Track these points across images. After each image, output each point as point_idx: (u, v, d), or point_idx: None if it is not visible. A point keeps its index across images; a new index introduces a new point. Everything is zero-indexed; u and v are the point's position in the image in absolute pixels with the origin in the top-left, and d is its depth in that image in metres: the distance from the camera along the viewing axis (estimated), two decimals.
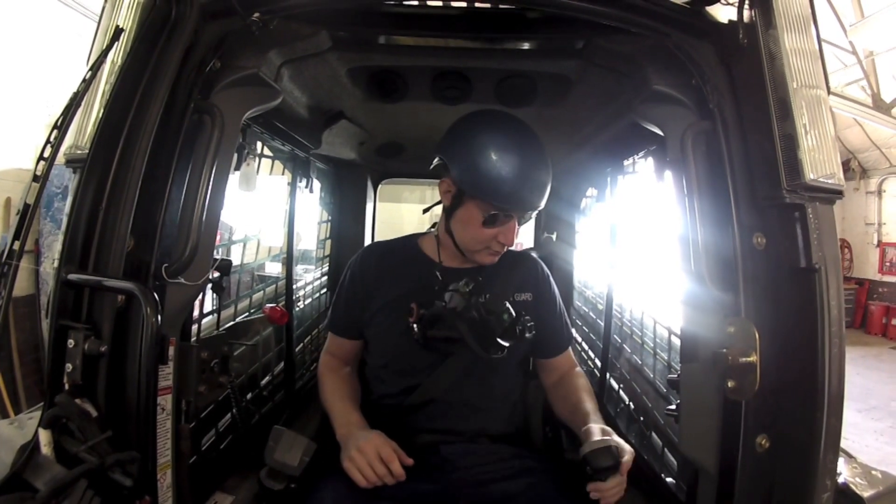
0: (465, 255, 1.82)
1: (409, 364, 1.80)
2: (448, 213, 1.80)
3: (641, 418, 2.44)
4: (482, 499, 1.71)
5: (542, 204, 1.72)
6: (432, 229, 1.98)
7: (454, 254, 1.86)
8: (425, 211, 1.91)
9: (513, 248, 1.88)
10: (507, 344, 1.66)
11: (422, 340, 1.73)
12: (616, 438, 1.57)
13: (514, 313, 1.67)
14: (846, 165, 13.12)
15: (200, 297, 1.69)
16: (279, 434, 1.46)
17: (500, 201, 1.66)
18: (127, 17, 1.33)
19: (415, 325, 1.73)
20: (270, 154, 2.42)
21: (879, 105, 8.82)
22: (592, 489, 1.52)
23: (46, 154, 1.23)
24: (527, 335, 1.66)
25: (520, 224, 1.76)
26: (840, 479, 1.37)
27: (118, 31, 1.30)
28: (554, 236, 3.37)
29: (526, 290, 1.91)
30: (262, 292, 2.80)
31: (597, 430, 1.60)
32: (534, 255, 2.11)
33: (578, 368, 2.02)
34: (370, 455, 1.58)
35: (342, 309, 1.97)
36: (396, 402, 1.81)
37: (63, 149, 1.27)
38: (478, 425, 1.81)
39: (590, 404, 1.79)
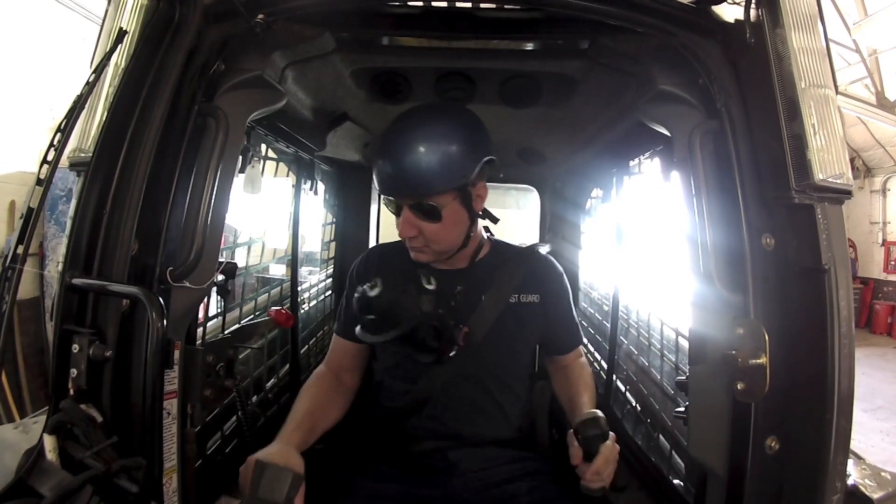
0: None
1: (412, 365, 1.78)
2: None
3: (648, 420, 2.43)
4: (487, 502, 1.70)
5: (417, 190, 1.62)
6: None
7: (451, 258, 1.82)
8: None
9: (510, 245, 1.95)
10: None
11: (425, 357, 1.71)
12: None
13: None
14: (850, 164, 13.05)
15: (205, 299, 1.68)
16: (262, 467, 1.40)
17: (378, 183, 1.69)
18: (130, 19, 1.33)
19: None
20: (275, 156, 2.42)
21: (883, 103, 8.80)
22: (583, 469, 1.52)
23: (50, 157, 1.22)
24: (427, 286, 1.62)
25: (420, 216, 1.66)
26: (849, 481, 1.36)
27: (121, 34, 1.30)
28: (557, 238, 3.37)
29: (531, 292, 1.85)
30: (266, 295, 2.80)
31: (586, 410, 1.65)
32: (543, 251, 2.08)
33: (583, 358, 2.02)
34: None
35: (346, 312, 1.94)
36: (401, 406, 1.80)
37: (67, 152, 1.26)
38: (484, 430, 1.80)
39: (586, 397, 1.80)
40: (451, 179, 1.62)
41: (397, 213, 1.69)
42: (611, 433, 1.55)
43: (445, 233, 1.70)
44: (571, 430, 1.57)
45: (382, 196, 1.72)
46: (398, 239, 1.93)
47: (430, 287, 1.62)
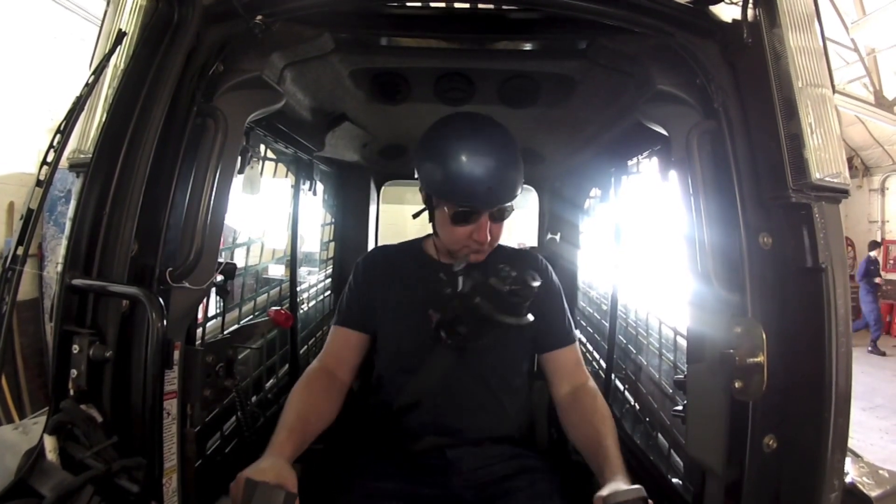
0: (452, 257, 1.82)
1: (412, 356, 1.80)
2: (429, 216, 1.84)
3: (647, 419, 2.43)
4: (484, 500, 1.70)
5: (505, 199, 1.71)
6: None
7: (450, 253, 1.85)
8: (415, 216, 1.89)
9: (502, 245, 1.92)
10: (523, 300, 1.62)
11: (454, 343, 1.71)
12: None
13: (510, 272, 1.62)
14: (849, 163, 13.10)
15: (205, 300, 1.68)
16: (253, 486, 1.34)
17: (456, 198, 1.68)
18: (129, 20, 1.33)
19: (442, 333, 1.71)
20: (274, 157, 2.42)
21: (882, 102, 8.83)
22: None
23: (50, 159, 1.22)
24: (533, 283, 1.60)
25: (495, 221, 1.74)
26: (847, 479, 1.36)
27: (121, 35, 1.30)
28: (558, 237, 3.36)
29: None
30: (266, 295, 2.80)
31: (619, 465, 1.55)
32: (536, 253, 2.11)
33: (591, 383, 1.90)
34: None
35: (350, 303, 1.94)
36: (400, 401, 1.81)
37: (66, 153, 1.26)
38: (483, 426, 1.80)
39: (611, 440, 1.65)
40: (521, 181, 1.75)
41: (465, 222, 1.71)
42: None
43: (502, 230, 1.80)
44: (600, 496, 1.41)
45: (461, 208, 1.69)
46: (399, 241, 1.95)
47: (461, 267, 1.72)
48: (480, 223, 1.71)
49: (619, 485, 1.45)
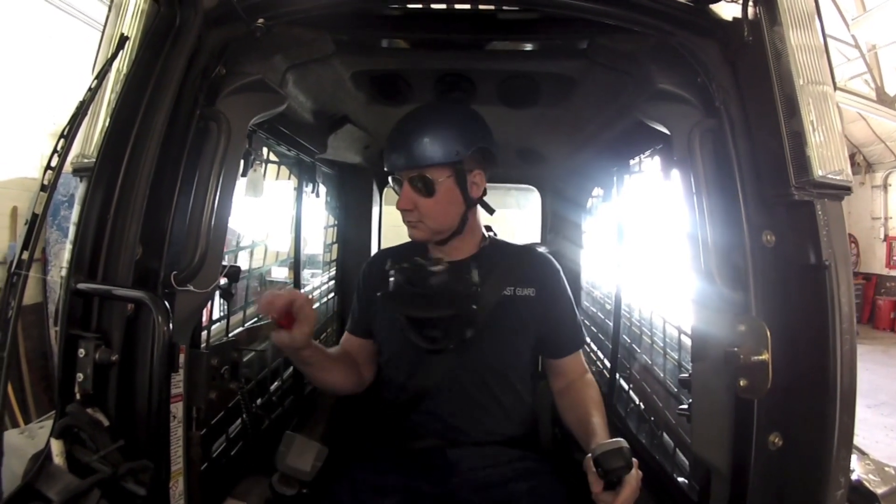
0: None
1: (413, 356, 1.80)
2: None
3: (652, 418, 2.43)
4: (486, 502, 1.71)
5: (411, 161, 1.72)
6: None
7: (450, 246, 1.86)
8: None
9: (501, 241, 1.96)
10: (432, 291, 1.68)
11: (425, 346, 1.73)
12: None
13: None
14: (851, 160, 13.06)
15: (209, 303, 1.69)
16: (291, 439, 1.45)
17: (385, 166, 1.82)
18: (131, 24, 1.33)
19: (411, 336, 1.74)
20: (276, 159, 2.42)
21: (883, 99, 8.81)
22: (605, 500, 1.44)
23: (53, 163, 1.23)
24: (432, 269, 1.69)
25: (421, 194, 1.74)
26: (853, 476, 1.36)
27: (123, 39, 1.30)
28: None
29: (528, 286, 1.85)
30: None
31: (606, 437, 1.58)
32: (542, 250, 2.09)
33: (589, 375, 1.93)
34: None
35: (354, 310, 2.00)
36: (402, 400, 1.82)
37: (70, 158, 1.26)
38: (484, 429, 1.80)
39: (598, 418, 1.71)
40: (444, 153, 1.71)
41: (396, 191, 1.80)
42: (633, 459, 1.47)
43: (439, 209, 1.77)
44: (589, 457, 1.49)
45: (389, 178, 1.83)
46: (405, 242, 1.96)
47: (477, 280, 1.72)
48: (402, 190, 1.76)
49: (602, 443, 1.52)
